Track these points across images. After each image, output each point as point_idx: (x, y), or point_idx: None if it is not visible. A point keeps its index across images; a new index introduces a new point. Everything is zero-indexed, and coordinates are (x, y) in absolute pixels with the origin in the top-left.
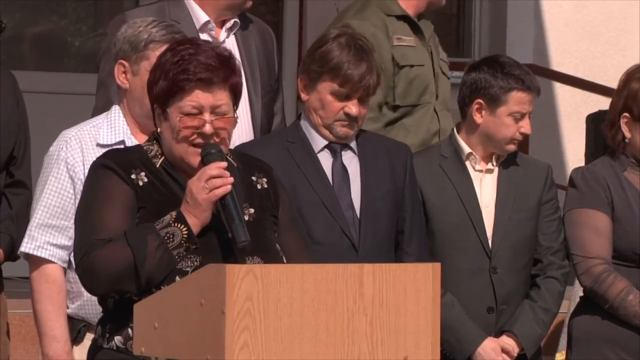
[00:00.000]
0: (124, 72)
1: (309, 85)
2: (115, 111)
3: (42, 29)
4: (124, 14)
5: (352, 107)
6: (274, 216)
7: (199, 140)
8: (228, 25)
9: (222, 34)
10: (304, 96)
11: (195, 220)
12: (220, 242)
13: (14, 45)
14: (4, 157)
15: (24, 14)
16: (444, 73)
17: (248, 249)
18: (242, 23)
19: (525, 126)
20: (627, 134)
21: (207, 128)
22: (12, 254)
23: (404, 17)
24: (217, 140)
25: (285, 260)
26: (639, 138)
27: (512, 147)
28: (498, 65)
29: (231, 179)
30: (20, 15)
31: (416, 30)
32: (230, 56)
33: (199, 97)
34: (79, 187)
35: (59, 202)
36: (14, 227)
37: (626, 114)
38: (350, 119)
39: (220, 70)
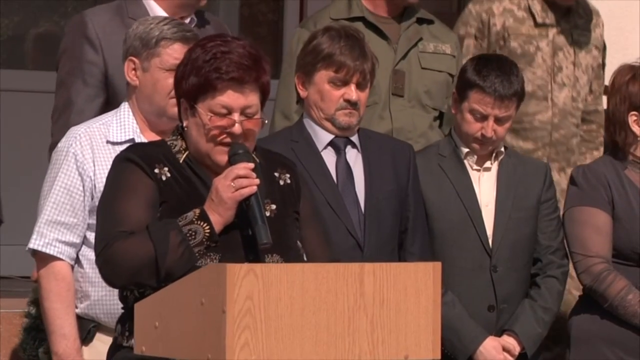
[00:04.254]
0: (134, 69)
1: (306, 80)
2: (125, 108)
3: (43, 28)
4: (82, 14)
5: (351, 93)
6: (296, 212)
7: (227, 140)
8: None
9: None
10: (302, 93)
11: (219, 219)
12: (241, 241)
13: (14, 45)
14: None
15: (25, 14)
16: (424, 68)
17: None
18: (199, 20)
19: (486, 128)
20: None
21: (237, 128)
22: None
23: (359, 19)
24: (245, 140)
25: (305, 257)
26: None
27: (476, 147)
28: (481, 61)
29: (257, 181)
30: (21, 15)
31: (377, 29)
32: (259, 54)
33: (230, 98)
34: (88, 184)
35: (68, 199)
36: None
37: (635, 113)
38: (351, 106)
39: (252, 70)
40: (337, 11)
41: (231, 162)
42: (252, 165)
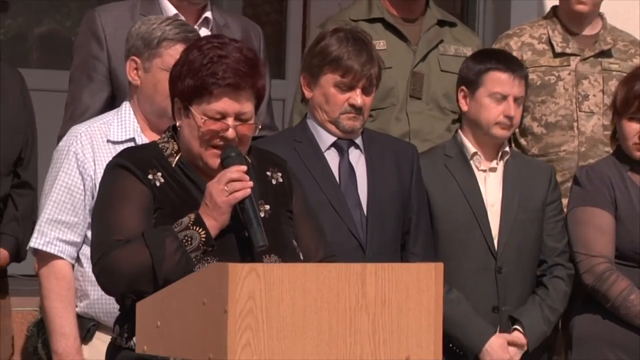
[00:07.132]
0: (136, 69)
1: (312, 82)
2: (126, 108)
3: (46, 28)
4: (93, 9)
5: (356, 98)
6: (289, 211)
7: (221, 143)
8: (199, 21)
9: None
10: (307, 93)
11: (214, 223)
12: (237, 243)
13: (18, 44)
14: (11, 159)
15: (28, 13)
16: (444, 70)
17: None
18: (222, 21)
19: (509, 109)
20: (618, 130)
21: (230, 133)
22: (18, 255)
23: (379, 20)
24: (238, 144)
25: (301, 255)
26: (621, 132)
27: (499, 132)
28: (483, 52)
29: (250, 183)
30: (25, 15)
31: (396, 30)
32: (256, 58)
33: (225, 104)
34: (89, 183)
35: (69, 198)
36: (19, 228)
37: (615, 110)
38: (356, 110)
39: (248, 76)
40: (357, 12)
41: (224, 165)
42: (244, 167)
